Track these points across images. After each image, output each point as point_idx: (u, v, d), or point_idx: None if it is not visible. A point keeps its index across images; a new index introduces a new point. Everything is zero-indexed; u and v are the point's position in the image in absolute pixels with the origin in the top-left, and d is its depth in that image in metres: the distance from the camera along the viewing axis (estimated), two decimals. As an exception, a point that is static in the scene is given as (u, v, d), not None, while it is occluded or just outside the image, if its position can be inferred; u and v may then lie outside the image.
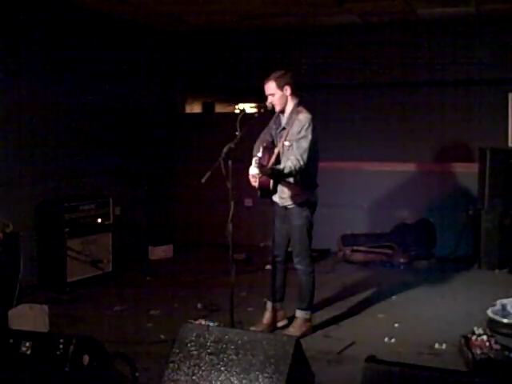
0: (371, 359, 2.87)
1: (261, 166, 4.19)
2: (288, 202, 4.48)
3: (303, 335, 4.41)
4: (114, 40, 6.87)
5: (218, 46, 7.85)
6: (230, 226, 4.11)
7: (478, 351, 3.88)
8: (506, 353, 3.86)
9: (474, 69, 6.81)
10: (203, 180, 4.08)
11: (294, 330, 4.47)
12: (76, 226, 5.80)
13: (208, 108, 9.59)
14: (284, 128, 4.45)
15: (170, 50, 7.89)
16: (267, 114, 4.59)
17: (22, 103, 5.74)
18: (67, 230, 5.71)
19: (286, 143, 4.38)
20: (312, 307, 4.65)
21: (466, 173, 6.81)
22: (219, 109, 9.81)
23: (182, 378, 3.19)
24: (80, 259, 5.81)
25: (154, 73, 7.69)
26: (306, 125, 4.33)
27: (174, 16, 6.90)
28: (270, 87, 4.40)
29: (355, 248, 6.95)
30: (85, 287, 5.78)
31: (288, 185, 4.43)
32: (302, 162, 4.25)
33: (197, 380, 3.17)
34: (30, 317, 4.33)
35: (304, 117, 4.37)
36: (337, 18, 6.84)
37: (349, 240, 7.04)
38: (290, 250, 4.71)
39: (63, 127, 6.23)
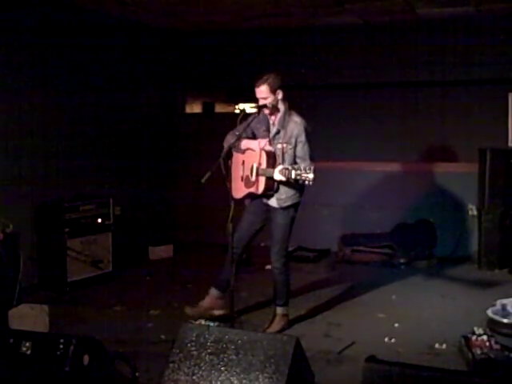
0: (371, 359, 2.87)
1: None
2: (286, 203, 4.48)
3: (282, 329, 4.53)
4: (113, 40, 6.86)
5: (218, 46, 7.85)
6: (230, 226, 4.12)
7: (478, 351, 3.88)
8: (506, 353, 3.87)
9: (474, 69, 6.81)
10: (203, 180, 4.10)
11: (274, 325, 4.57)
12: (76, 226, 5.80)
13: (208, 108, 9.59)
14: (278, 131, 4.45)
15: (170, 50, 7.89)
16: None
17: (22, 103, 5.73)
18: (67, 230, 5.71)
19: (285, 145, 4.39)
20: (288, 302, 4.70)
21: (466, 173, 6.80)
22: (219, 109, 9.80)
23: (182, 377, 3.19)
24: (80, 259, 5.81)
25: (154, 73, 7.69)
26: (304, 129, 4.39)
27: (174, 16, 6.90)
28: (263, 91, 4.38)
29: (355, 248, 6.95)
30: (85, 287, 5.78)
31: (290, 186, 4.43)
32: (313, 166, 4.29)
33: (197, 380, 3.17)
34: (29, 317, 4.33)
35: (300, 120, 4.43)
36: (337, 18, 6.84)
37: (349, 240, 7.04)
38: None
39: (63, 127, 6.22)
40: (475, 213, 6.67)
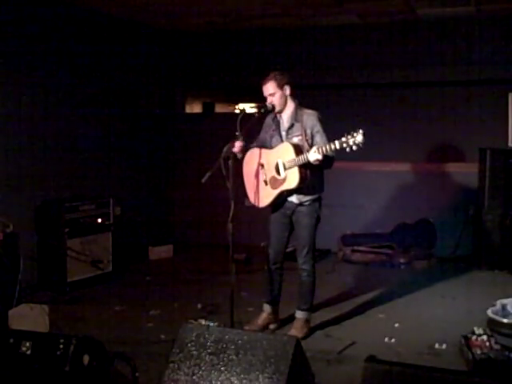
0: (371, 359, 2.87)
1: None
2: (306, 198, 4.43)
3: (305, 336, 4.44)
4: (114, 40, 6.87)
5: (218, 46, 7.85)
6: (230, 226, 4.12)
7: (478, 351, 3.88)
8: (506, 353, 3.86)
9: (474, 69, 6.81)
10: (203, 180, 4.10)
11: (297, 331, 4.47)
12: (76, 226, 5.80)
13: (208, 108, 9.60)
14: (292, 125, 4.42)
15: (170, 50, 7.89)
16: (267, 114, 4.59)
17: (22, 103, 5.73)
18: (67, 230, 5.71)
19: (301, 137, 4.33)
20: (312, 307, 4.66)
21: (466, 173, 6.81)
22: (219, 109, 9.81)
23: (182, 377, 3.19)
24: (80, 259, 5.81)
25: (154, 73, 7.69)
26: (318, 119, 4.38)
27: (174, 16, 6.90)
28: (270, 87, 4.40)
29: (355, 248, 6.95)
30: (85, 287, 5.78)
31: (313, 177, 4.35)
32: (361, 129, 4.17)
33: (197, 380, 3.17)
34: (30, 317, 4.33)
35: (312, 111, 4.42)
36: (337, 18, 6.84)
37: (349, 240, 7.04)
38: (289, 250, 4.75)
39: (63, 127, 6.22)
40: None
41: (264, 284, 4.78)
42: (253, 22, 7.13)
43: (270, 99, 4.41)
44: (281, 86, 4.40)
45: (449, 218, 6.91)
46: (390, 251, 6.84)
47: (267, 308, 4.74)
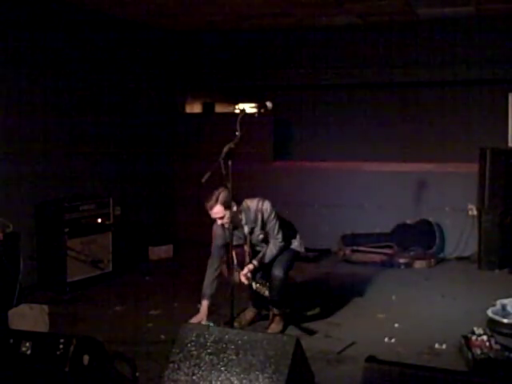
0: (371, 359, 2.87)
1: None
2: None
3: (283, 330, 4.56)
4: (114, 40, 6.87)
5: (218, 46, 7.85)
6: (230, 226, 4.13)
7: (478, 351, 3.88)
8: (506, 353, 3.86)
9: (474, 69, 6.81)
10: (203, 180, 4.10)
11: (276, 326, 4.59)
12: (76, 226, 5.80)
13: (208, 108, 9.59)
14: (252, 228, 4.55)
15: (170, 50, 7.89)
16: (267, 114, 4.58)
17: (22, 103, 5.73)
18: (67, 230, 5.71)
19: (264, 232, 4.56)
20: (285, 300, 4.73)
21: (466, 173, 6.81)
22: (219, 109, 9.80)
23: (182, 378, 3.19)
24: (80, 259, 5.81)
25: (154, 73, 7.69)
26: (271, 211, 4.53)
27: (174, 16, 6.90)
28: (219, 211, 4.38)
29: (355, 248, 6.96)
30: (85, 287, 5.78)
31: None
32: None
33: (197, 380, 3.17)
34: (30, 317, 4.33)
35: (257, 205, 4.53)
36: (337, 18, 6.84)
37: (349, 240, 7.04)
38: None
39: (63, 127, 6.22)
40: (475, 213, 6.67)
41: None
42: (253, 22, 7.13)
43: (220, 221, 4.43)
44: (228, 207, 4.35)
45: (449, 218, 6.92)
46: (390, 251, 6.84)
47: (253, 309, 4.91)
